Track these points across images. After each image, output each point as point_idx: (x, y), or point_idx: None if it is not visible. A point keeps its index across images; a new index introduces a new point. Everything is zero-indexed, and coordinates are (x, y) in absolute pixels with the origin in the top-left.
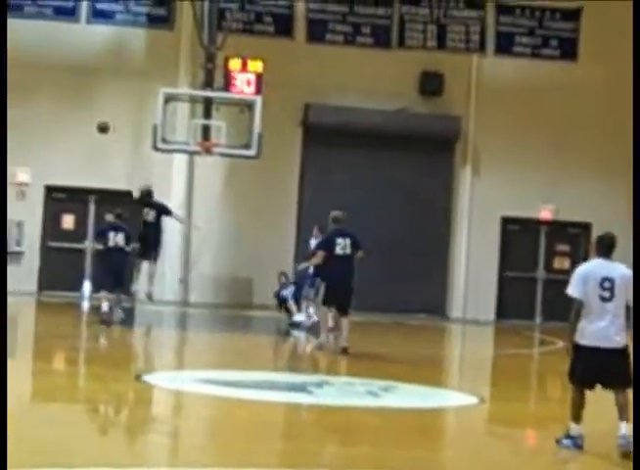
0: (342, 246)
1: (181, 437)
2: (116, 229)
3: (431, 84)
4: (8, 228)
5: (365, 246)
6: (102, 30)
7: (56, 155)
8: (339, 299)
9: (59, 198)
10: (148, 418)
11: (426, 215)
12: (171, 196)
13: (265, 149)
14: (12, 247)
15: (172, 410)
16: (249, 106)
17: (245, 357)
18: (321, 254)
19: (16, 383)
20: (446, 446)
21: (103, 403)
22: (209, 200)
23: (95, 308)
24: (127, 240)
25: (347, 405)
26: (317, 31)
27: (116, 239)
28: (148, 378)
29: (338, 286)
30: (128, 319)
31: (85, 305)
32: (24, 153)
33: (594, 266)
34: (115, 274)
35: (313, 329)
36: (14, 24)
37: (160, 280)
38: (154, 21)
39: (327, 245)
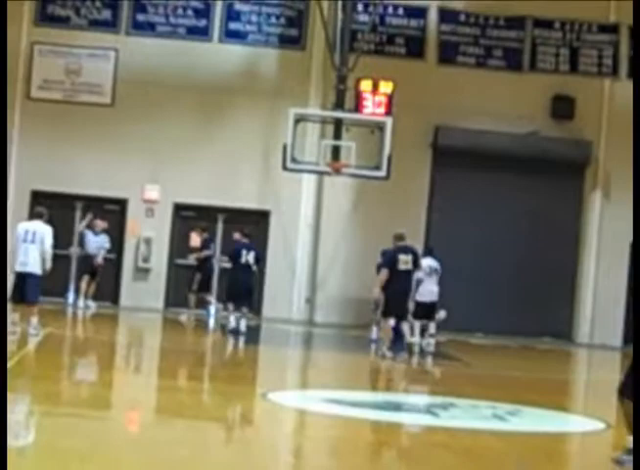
0: (405, 261)
1: (305, 457)
2: (248, 248)
3: (562, 108)
4: (137, 244)
5: (491, 268)
6: (234, 50)
7: (185, 173)
8: (398, 310)
9: (187, 216)
10: (272, 437)
11: (554, 240)
12: (300, 215)
13: (394, 170)
14: (140, 263)
15: (297, 430)
16: (379, 127)
17: (369, 378)
18: (385, 271)
19: (142, 399)
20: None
21: (227, 421)
22: (338, 220)
23: (222, 326)
24: (257, 260)
25: (473, 428)
26: (448, 53)
27: (248, 257)
28: (273, 396)
29: (399, 299)
30: (253, 337)
31: (211, 322)
32: (154, 170)
33: None
34: (244, 291)
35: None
36: (146, 43)
37: (287, 300)
38: (285, 41)
39: (390, 262)
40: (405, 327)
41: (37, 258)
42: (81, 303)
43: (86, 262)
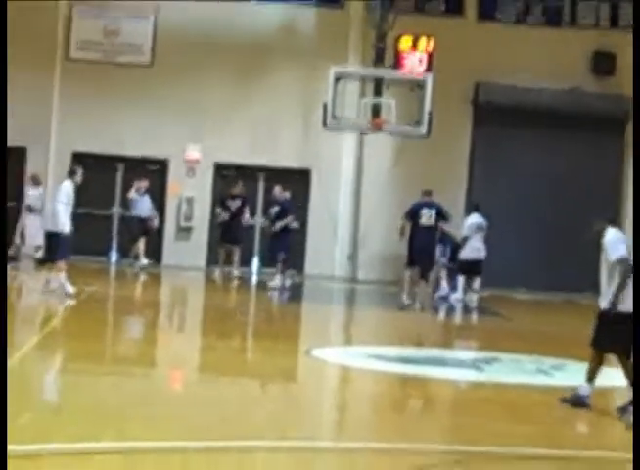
0: (427, 216)
1: (350, 412)
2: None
3: (603, 64)
4: (179, 204)
5: (533, 224)
6: (273, 10)
7: (226, 132)
8: (419, 264)
9: (228, 175)
10: (317, 393)
11: (595, 195)
12: (341, 174)
13: (435, 127)
14: (182, 222)
15: (341, 385)
16: (419, 85)
17: (413, 334)
18: (404, 222)
19: (186, 358)
20: (617, 423)
21: (272, 378)
22: (378, 177)
23: (263, 283)
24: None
25: (517, 383)
26: (488, 10)
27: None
28: (317, 353)
29: (420, 254)
30: (297, 294)
31: (254, 279)
32: (195, 131)
33: None
34: (286, 250)
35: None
36: (186, 3)
37: (329, 257)
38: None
39: (410, 214)
40: (444, 283)
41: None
42: (144, 260)
43: (140, 225)
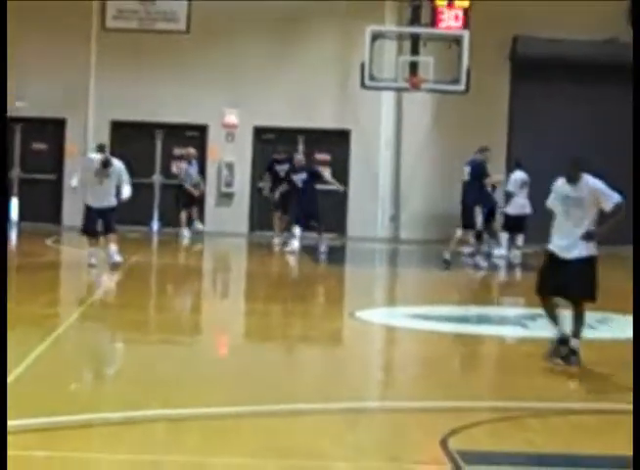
0: (465, 173)
1: (397, 371)
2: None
3: None
4: (219, 169)
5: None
6: None
7: (263, 96)
8: (462, 220)
9: (268, 139)
10: (364, 354)
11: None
12: (380, 133)
13: (473, 84)
14: (222, 188)
15: (387, 346)
16: (456, 41)
17: (457, 292)
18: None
19: (231, 323)
20: None
21: (318, 340)
22: (418, 136)
23: (308, 248)
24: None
25: None
26: None
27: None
28: (361, 314)
29: (462, 209)
30: (339, 256)
31: (295, 244)
32: (233, 95)
33: None
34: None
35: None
36: None
37: (371, 218)
38: None
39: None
40: (487, 238)
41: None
42: (199, 224)
43: (190, 194)
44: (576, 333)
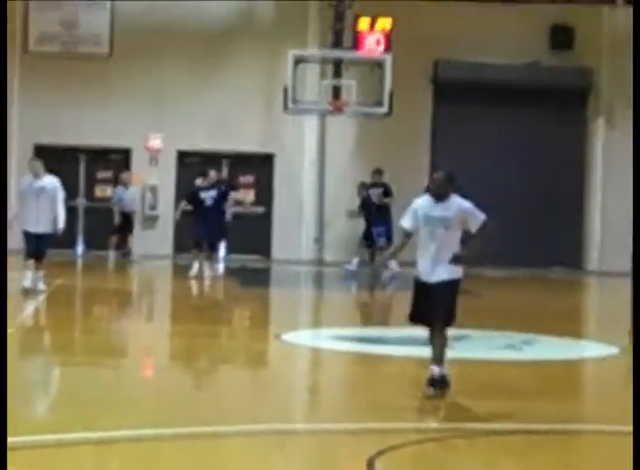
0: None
1: (322, 393)
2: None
3: (561, 37)
4: (143, 193)
5: (499, 200)
6: None
7: (188, 120)
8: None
9: (191, 162)
10: (288, 376)
11: (560, 169)
12: (304, 156)
13: (396, 107)
14: (146, 211)
15: (313, 367)
16: (379, 64)
17: (383, 314)
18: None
19: (157, 345)
20: (588, 396)
21: (244, 362)
22: (342, 159)
23: (232, 270)
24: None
25: (488, 359)
26: None
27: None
28: (287, 337)
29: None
30: (264, 279)
31: (220, 267)
32: (156, 119)
33: None
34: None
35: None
36: None
37: (296, 240)
38: None
39: None
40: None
41: (49, 215)
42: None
43: (126, 218)
44: (440, 359)
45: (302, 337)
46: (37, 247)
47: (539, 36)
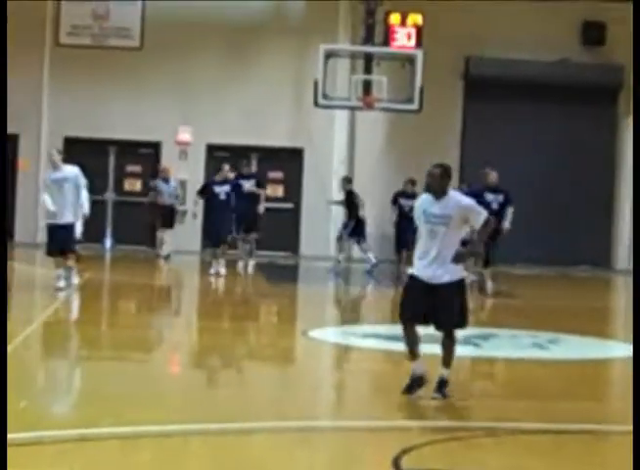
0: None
1: (349, 390)
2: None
3: (592, 34)
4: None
5: (529, 198)
6: None
7: (217, 113)
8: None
9: (221, 156)
10: (314, 373)
11: (589, 167)
12: (333, 152)
13: (427, 103)
14: (176, 206)
15: (339, 365)
16: (409, 60)
17: None
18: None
19: (184, 340)
20: (614, 397)
21: (270, 359)
22: (371, 155)
23: (260, 266)
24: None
25: (514, 358)
26: None
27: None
28: (314, 333)
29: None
30: (292, 275)
31: (251, 262)
32: (186, 112)
33: None
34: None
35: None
36: None
37: (324, 237)
38: None
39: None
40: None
41: (74, 205)
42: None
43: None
44: (448, 362)
45: (329, 334)
46: (63, 239)
47: (570, 33)
